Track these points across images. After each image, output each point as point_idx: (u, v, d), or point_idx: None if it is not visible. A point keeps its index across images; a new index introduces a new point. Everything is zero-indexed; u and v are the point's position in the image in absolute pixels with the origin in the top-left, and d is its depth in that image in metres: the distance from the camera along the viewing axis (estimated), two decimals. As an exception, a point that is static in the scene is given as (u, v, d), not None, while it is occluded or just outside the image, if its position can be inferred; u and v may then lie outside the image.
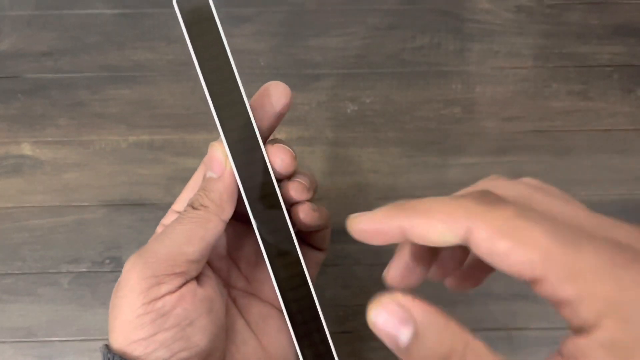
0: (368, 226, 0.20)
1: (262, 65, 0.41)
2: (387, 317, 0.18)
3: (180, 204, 0.26)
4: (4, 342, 0.35)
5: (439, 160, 0.39)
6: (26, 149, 0.39)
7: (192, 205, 0.23)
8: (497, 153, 0.39)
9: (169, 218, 0.26)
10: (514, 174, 0.38)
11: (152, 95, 0.40)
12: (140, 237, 0.37)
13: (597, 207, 0.39)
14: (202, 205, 0.23)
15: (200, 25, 0.22)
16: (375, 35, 0.41)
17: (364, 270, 0.38)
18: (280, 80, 0.42)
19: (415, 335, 0.17)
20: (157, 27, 0.41)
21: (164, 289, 0.21)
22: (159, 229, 0.25)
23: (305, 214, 0.24)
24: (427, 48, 0.41)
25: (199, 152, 0.39)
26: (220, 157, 0.23)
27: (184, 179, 0.38)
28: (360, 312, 0.37)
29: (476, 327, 0.37)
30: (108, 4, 0.42)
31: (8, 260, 0.37)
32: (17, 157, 0.39)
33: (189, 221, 0.23)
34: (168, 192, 0.38)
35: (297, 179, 0.24)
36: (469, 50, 0.41)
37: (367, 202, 0.38)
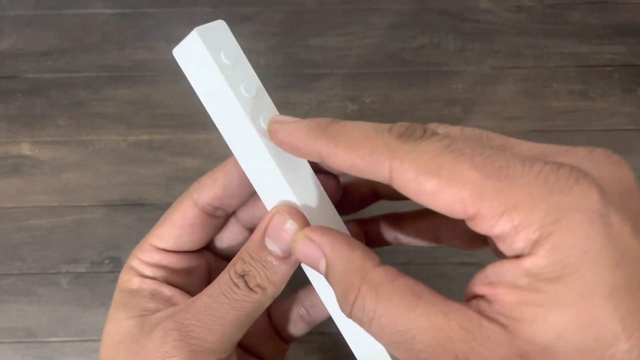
0: (287, 139, 0.18)
1: (262, 65, 0.40)
2: (305, 252, 0.18)
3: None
4: (3, 342, 0.35)
5: (439, 160, 0.39)
6: (25, 148, 0.39)
7: (247, 283, 0.20)
8: (497, 153, 0.39)
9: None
10: (514, 174, 0.38)
11: (152, 95, 0.40)
12: (140, 238, 0.37)
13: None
14: (259, 286, 0.20)
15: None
16: (375, 35, 0.41)
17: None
18: (281, 80, 0.42)
19: (327, 267, 0.18)
20: (157, 27, 0.41)
21: None
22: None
23: None
24: (427, 48, 0.41)
25: (199, 152, 0.39)
26: (291, 238, 0.19)
27: (183, 179, 0.38)
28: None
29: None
30: (108, 3, 0.42)
31: (7, 260, 0.37)
32: (17, 157, 0.39)
33: (243, 306, 0.20)
34: (168, 192, 0.38)
35: None
36: (469, 50, 0.41)
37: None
